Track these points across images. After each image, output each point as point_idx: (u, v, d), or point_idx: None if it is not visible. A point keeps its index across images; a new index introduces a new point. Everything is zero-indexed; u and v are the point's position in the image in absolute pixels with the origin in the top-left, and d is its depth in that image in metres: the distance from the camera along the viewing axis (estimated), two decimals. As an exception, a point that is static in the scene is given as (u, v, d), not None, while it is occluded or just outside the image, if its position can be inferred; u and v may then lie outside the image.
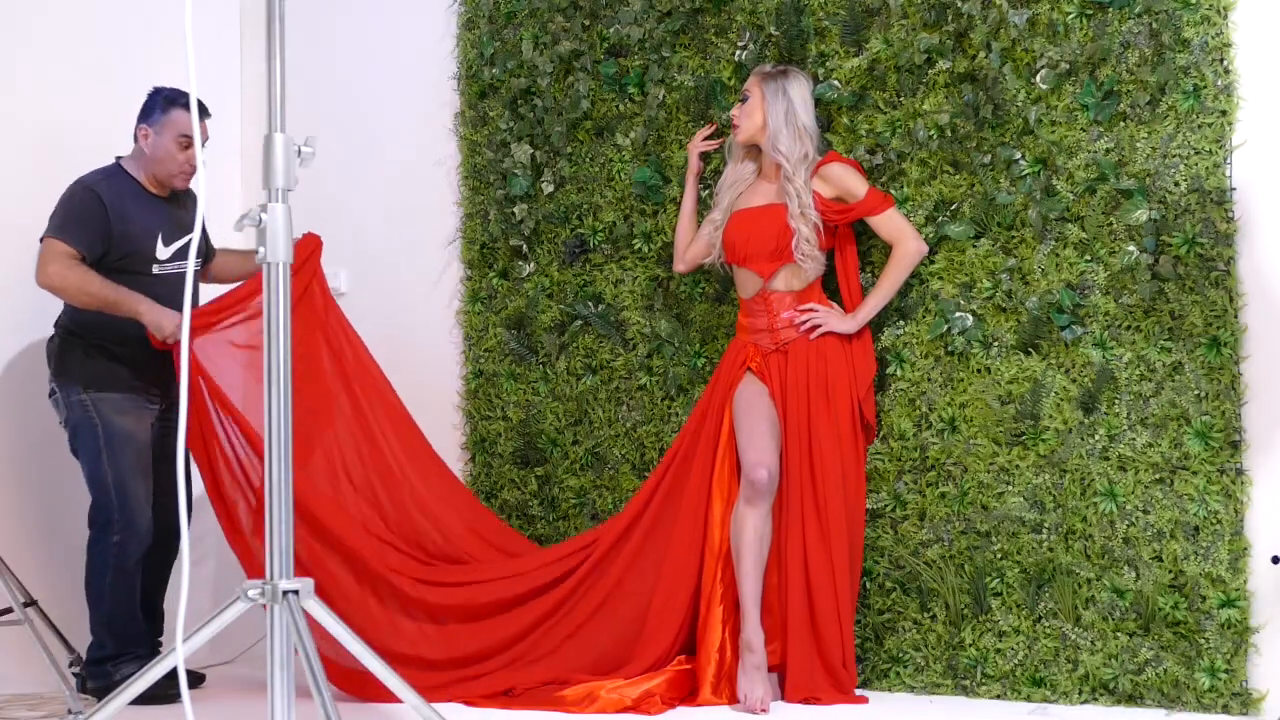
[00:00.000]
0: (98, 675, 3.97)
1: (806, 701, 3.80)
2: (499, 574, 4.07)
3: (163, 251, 4.14)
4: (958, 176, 3.98)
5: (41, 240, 4.03)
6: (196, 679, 4.05)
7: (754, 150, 4.10)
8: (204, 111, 4.15)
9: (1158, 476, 3.68)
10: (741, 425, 3.96)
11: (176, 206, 4.23)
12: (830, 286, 4.09)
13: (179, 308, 4.12)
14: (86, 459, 4.07)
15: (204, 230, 4.28)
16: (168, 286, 4.14)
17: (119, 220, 4.03)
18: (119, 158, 4.20)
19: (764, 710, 3.70)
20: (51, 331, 4.15)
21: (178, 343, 3.92)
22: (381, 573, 3.98)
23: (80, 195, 4.04)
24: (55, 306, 4.15)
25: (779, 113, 3.99)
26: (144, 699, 2.64)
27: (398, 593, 3.99)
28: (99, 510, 4.04)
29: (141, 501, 4.05)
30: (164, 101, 4.14)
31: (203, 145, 4.14)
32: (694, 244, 4.23)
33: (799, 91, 4.02)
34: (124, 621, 4.02)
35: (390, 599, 4.00)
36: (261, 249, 2.43)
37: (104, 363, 4.06)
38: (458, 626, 4.02)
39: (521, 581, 4.05)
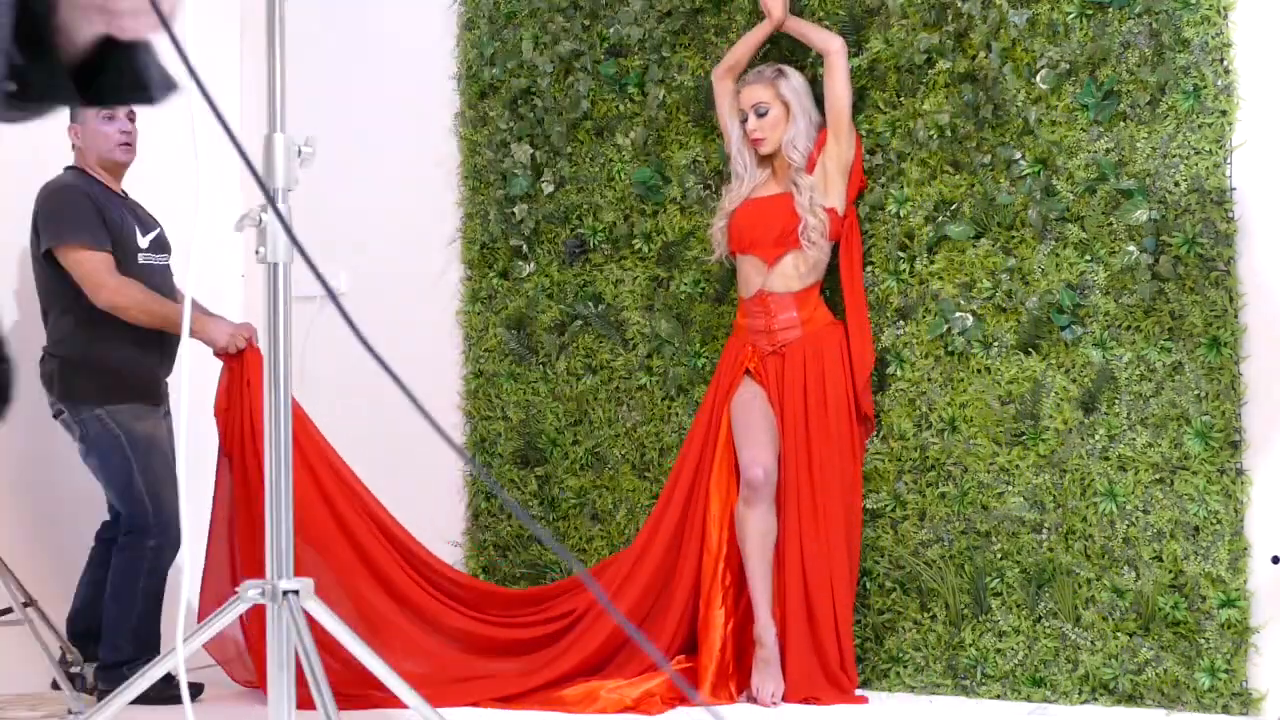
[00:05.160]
0: (113, 679, 3.87)
1: (806, 701, 3.80)
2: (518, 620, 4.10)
3: (142, 241, 4.16)
4: (958, 176, 3.98)
5: (52, 251, 4.01)
6: (195, 689, 4.03)
7: (767, 156, 4.10)
8: None
9: (1158, 476, 3.68)
10: (738, 427, 3.96)
11: (134, 206, 4.27)
12: (831, 285, 4.09)
13: (166, 296, 4.14)
14: (113, 474, 4.02)
15: (163, 234, 4.30)
16: (153, 276, 4.16)
17: (101, 210, 4.05)
18: (68, 167, 4.21)
19: (774, 704, 3.73)
20: (41, 353, 4.13)
21: (240, 351, 3.98)
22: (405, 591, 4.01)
23: (67, 194, 4.04)
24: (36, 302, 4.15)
25: (800, 119, 4.00)
26: (144, 700, 2.63)
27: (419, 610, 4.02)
28: (134, 519, 3.99)
29: (175, 508, 4.04)
30: None
31: (132, 121, 4.20)
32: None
33: (805, 88, 4.04)
34: (149, 627, 4.00)
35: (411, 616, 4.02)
36: (261, 249, 2.43)
37: (110, 376, 4.03)
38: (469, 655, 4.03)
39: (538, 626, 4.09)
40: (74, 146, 4.20)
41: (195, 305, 3.99)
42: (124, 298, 3.97)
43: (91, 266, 3.97)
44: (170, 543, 4.02)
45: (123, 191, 4.25)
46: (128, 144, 4.19)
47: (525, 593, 4.27)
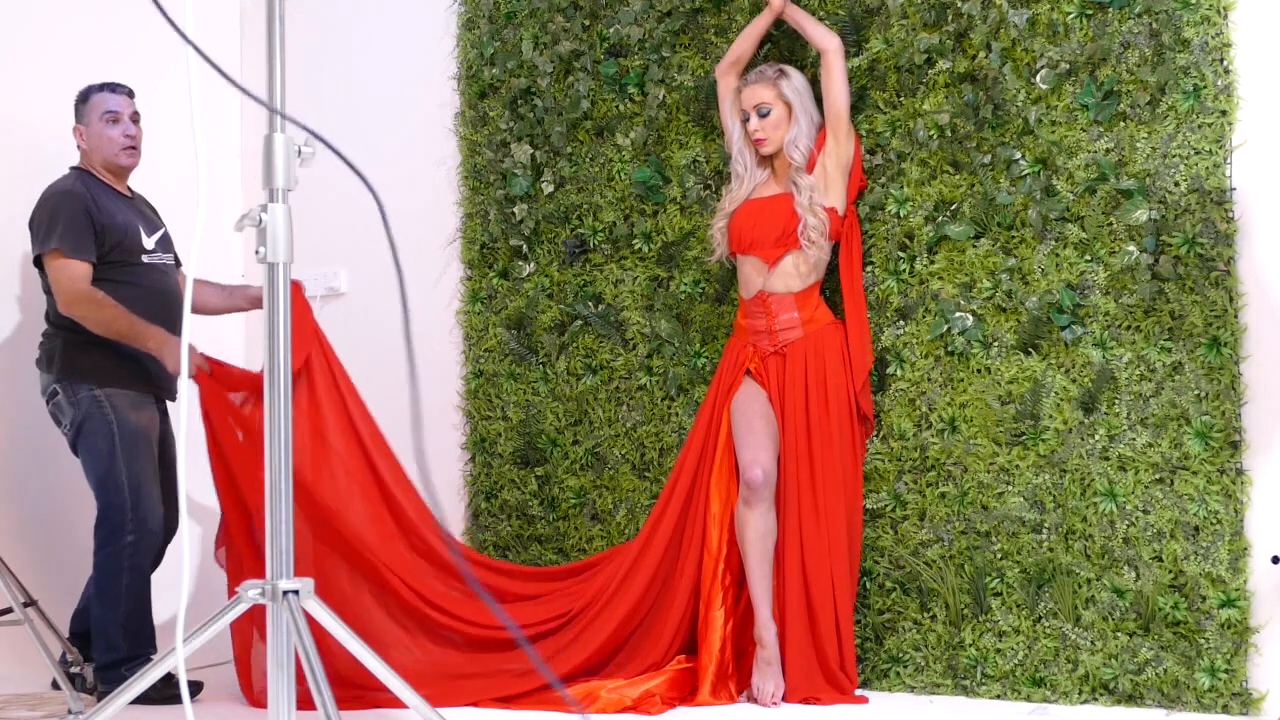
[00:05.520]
0: (112, 680, 3.88)
1: (806, 701, 3.81)
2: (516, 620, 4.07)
3: (148, 241, 4.16)
4: (958, 176, 3.98)
5: (41, 258, 4.02)
6: (194, 687, 4.03)
7: (767, 157, 4.10)
8: (124, 90, 4.22)
9: (1158, 476, 3.68)
10: (738, 427, 3.96)
11: (142, 205, 4.27)
12: (831, 285, 4.09)
13: (172, 294, 4.14)
14: (95, 458, 4.00)
15: (168, 233, 4.30)
16: (159, 274, 4.16)
17: (100, 213, 4.04)
18: (73, 168, 4.21)
19: (775, 704, 3.74)
20: (45, 328, 4.14)
21: (196, 372, 3.97)
22: (399, 590, 3.99)
23: (60, 200, 4.03)
24: (43, 307, 4.15)
25: (802, 119, 4.00)
26: (144, 700, 2.63)
27: (413, 610, 4.00)
28: (110, 511, 3.97)
29: (155, 501, 4.03)
30: (82, 95, 4.22)
31: (136, 123, 4.20)
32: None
33: (806, 88, 4.05)
34: (139, 623, 3.99)
35: (406, 615, 4.00)
36: (261, 249, 2.43)
37: (113, 359, 4.04)
38: (464, 654, 4.03)
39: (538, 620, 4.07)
40: (79, 148, 4.20)
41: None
42: (83, 309, 3.96)
43: (62, 275, 3.97)
44: (148, 536, 4.00)
45: (129, 191, 4.25)
46: (132, 147, 4.19)
47: (535, 570, 4.28)
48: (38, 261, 4.05)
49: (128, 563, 3.96)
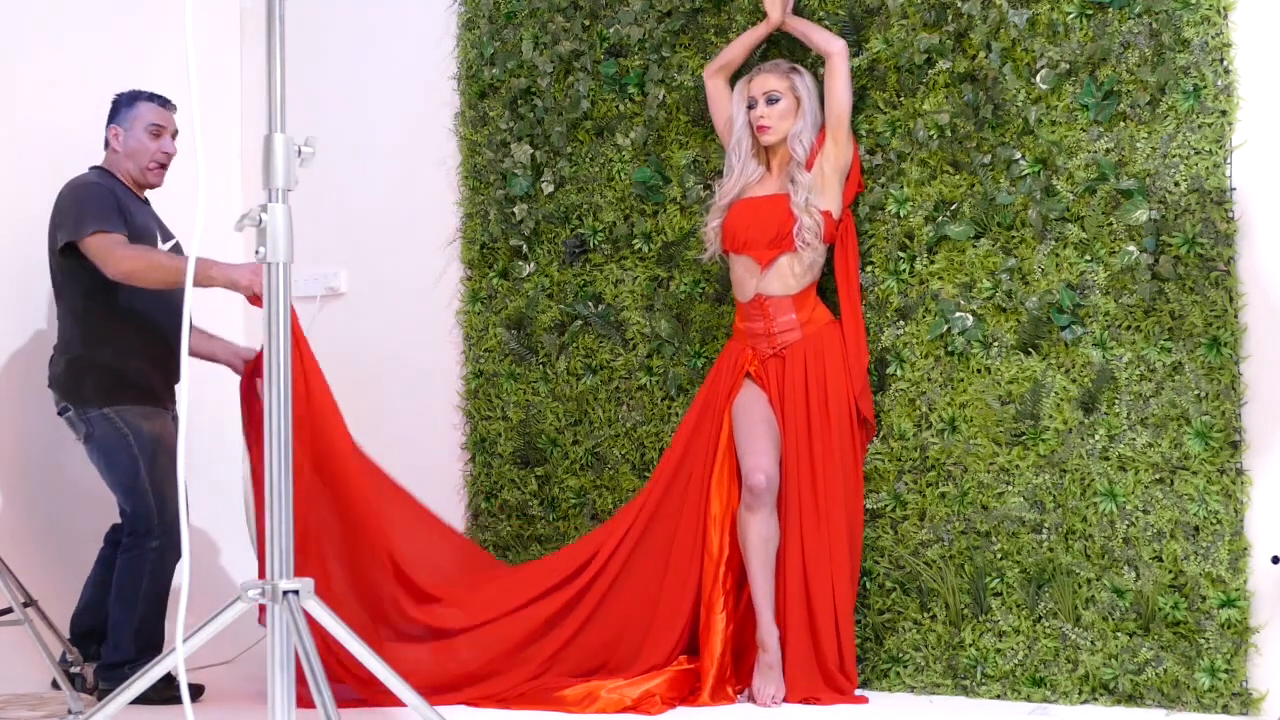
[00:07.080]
0: (114, 679, 3.87)
1: (806, 701, 3.81)
2: (498, 607, 4.03)
3: (162, 246, 4.14)
4: (958, 176, 3.98)
5: (73, 245, 3.97)
6: (195, 690, 4.02)
7: (765, 150, 4.10)
8: (172, 105, 4.20)
9: (1158, 476, 3.68)
10: (740, 431, 3.96)
11: (156, 215, 4.25)
12: (828, 287, 4.09)
13: (179, 303, 4.12)
14: (118, 471, 4.01)
15: (179, 245, 4.28)
16: None
17: (123, 206, 4.04)
18: (94, 167, 4.19)
19: (776, 704, 3.74)
20: (51, 354, 4.12)
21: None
22: (380, 590, 3.96)
23: (86, 189, 4.03)
24: (51, 307, 4.14)
25: (808, 115, 4.01)
26: (144, 700, 2.63)
27: (396, 613, 3.97)
28: (137, 519, 3.98)
29: (180, 510, 4.02)
30: (128, 98, 4.20)
31: (173, 138, 4.19)
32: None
33: (815, 90, 4.05)
34: (151, 628, 4.00)
35: (388, 619, 3.98)
36: (261, 249, 2.43)
37: (117, 378, 4.02)
38: (459, 648, 4.00)
39: (525, 612, 4.02)
40: (109, 147, 4.18)
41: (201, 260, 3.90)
42: (133, 262, 3.90)
43: (103, 245, 3.91)
44: (173, 544, 4.01)
45: (144, 198, 4.24)
46: (163, 166, 4.18)
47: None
48: (67, 248, 3.98)
49: (150, 568, 3.97)
